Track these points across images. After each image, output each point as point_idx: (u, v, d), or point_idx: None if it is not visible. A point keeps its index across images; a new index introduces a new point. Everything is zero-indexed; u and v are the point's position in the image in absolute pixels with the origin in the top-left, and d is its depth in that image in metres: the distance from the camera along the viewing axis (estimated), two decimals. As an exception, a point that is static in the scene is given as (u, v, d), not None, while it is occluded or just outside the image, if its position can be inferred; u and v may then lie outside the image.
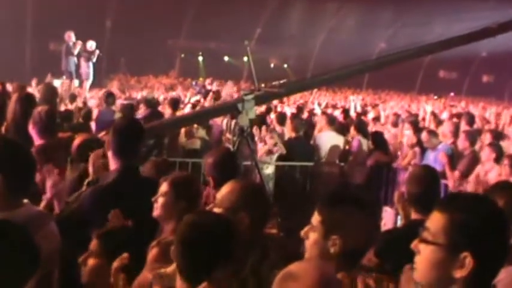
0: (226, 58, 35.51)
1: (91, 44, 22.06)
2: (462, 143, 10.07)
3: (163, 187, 4.07)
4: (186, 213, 3.21)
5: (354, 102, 20.39)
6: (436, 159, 10.14)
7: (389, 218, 7.74)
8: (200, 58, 35.14)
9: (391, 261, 3.87)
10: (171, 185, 4.07)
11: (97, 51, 22.02)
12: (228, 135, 11.18)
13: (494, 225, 2.29)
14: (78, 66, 21.85)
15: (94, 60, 22.01)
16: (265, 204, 3.85)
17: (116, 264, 3.54)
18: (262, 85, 7.97)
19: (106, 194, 4.40)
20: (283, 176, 10.43)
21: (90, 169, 4.92)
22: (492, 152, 9.01)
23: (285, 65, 36.35)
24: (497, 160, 8.90)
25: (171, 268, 3.17)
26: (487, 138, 10.82)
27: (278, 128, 11.77)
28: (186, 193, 4.05)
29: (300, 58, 35.52)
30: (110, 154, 4.60)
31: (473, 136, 10.29)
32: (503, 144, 9.81)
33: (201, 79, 29.20)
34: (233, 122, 8.54)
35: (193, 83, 24.56)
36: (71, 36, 21.79)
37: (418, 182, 4.68)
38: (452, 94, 38.42)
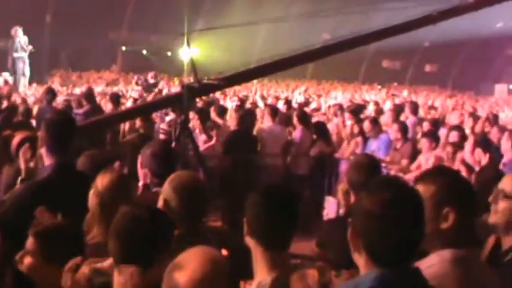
0: (168, 52, 35.20)
1: (24, 40, 21.43)
2: (394, 134, 10.17)
3: None
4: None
5: (297, 93, 20.51)
6: (379, 147, 10.25)
7: (331, 208, 7.76)
8: (144, 51, 34.77)
9: (333, 251, 3.88)
10: None
11: (30, 47, 21.40)
12: (163, 126, 11.07)
13: None
14: (13, 62, 21.27)
15: (26, 55, 21.34)
16: (201, 197, 3.82)
17: (68, 265, 3.48)
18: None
19: (40, 190, 4.35)
20: (227, 169, 10.40)
21: (22, 166, 4.83)
22: (429, 142, 9.14)
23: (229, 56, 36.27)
24: (435, 148, 9.05)
25: (108, 262, 3.15)
26: (425, 126, 10.97)
27: (218, 121, 11.72)
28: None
29: (244, 49, 35.46)
30: (43, 150, 4.53)
31: (405, 127, 10.42)
32: (443, 132, 9.95)
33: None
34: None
35: (136, 77, 24.31)
36: (17, 32, 21.18)
37: (360, 171, 4.69)
38: (395, 84, 38.87)
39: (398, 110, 13.72)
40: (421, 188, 2.84)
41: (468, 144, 8.40)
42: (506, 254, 3.69)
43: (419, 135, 10.68)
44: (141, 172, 4.81)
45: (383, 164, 9.69)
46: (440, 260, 2.85)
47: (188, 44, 9.24)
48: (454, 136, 9.16)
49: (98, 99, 14.09)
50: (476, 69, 42.08)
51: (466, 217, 2.92)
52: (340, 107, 15.08)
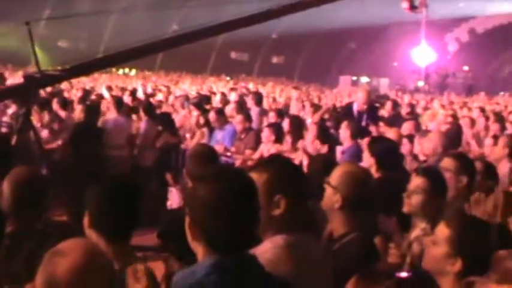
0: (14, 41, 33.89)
1: None
2: (239, 124, 10.35)
3: None
4: None
5: (143, 85, 20.38)
6: (224, 138, 10.40)
7: (175, 199, 7.84)
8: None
9: (174, 241, 3.92)
10: None
11: None
12: (5, 119, 10.71)
13: None
14: None
15: None
16: (37, 192, 3.79)
17: None
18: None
19: None
20: (72, 162, 10.20)
21: None
22: (270, 132, 9.34)
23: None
24: (278, 140, 9.24)
25: None
26: (271, 117, 11.21)
27: (61, 113, 11.44)
28: None
29: (91, 39, 34.79)
30: None
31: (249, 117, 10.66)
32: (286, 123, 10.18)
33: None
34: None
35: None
36: None
37: (197, 160, 4.76)
38: (243, 75, 39.40)
39: (242, 101, 13.94)
40: (254, 176, 2.90)
41: (310, 134, 8.67)
42: (336, 242, 3.88)
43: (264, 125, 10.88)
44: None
45: (228, 154, 9.88)
46: (273, 246, 2.93)
47: (31, 33, 8.96)
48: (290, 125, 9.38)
49: None
50: (322, 61, 43.41)
51: (297, 203, 3.03)
52: (187, 98, 15.13)
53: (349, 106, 11.24)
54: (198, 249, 2.56)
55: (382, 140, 6.52)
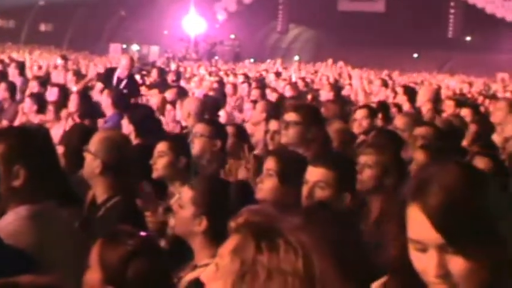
0: None
1: None
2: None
3: None
4: None
5: None
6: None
7: None
8: None
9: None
10: None
11: None
12: None
13: None
14: None
15: None
16: None
17: None
18: None
19: None
20: None
21: None
22: (33, 104, 8.96)
23: None
24: (40, 110, 8.93)
25: None
26: (33, 87, 10.82)
27: None
28: None
29: None
30: None
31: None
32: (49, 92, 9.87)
33: None
34: None
35: None
36: None
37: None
38: (10, 43, 37.68)
39: (5, 71, 13.33)
40: None
41: (71, 103, 8.46)
42: (100, 208, 3.90)
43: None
44: None
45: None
46: (16, 218, 2.91)
47: None
48: (54, 94, 9.13)
49: None
50: (92, 29, 42.65)
51: (39, 173, 3.00)
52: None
53: (107, 73, 11.14)
54: None
55: (140, 108, 6.58)
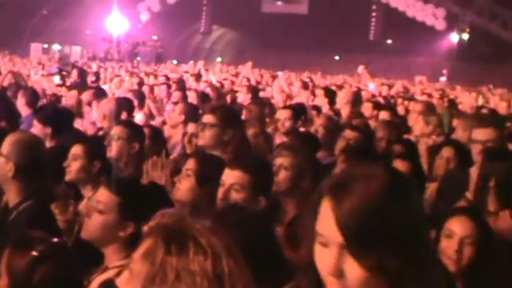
0: None
1: None
2: None
3: None
4: None
5: None
6: None
7: None
8: None
9: None
10: None
11: None
12: None
13: None
14: None
15: None
16: None
17: None
18: None
19: None
20: None
21: None
22: None
23: None
24: None
25: None
26: None
27: None
28: None
29: None
30: None
31: None
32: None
33: None
34: None
35: None
36: None
37: None
38: None
39: None
40: None
41: None
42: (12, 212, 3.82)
43: None
44: None
45: None
46: None
47: None
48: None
49: None
50: (13, 27, 41.62)
51: None
52: None
53: None
54: None
55: (53, 109, 6.46)
